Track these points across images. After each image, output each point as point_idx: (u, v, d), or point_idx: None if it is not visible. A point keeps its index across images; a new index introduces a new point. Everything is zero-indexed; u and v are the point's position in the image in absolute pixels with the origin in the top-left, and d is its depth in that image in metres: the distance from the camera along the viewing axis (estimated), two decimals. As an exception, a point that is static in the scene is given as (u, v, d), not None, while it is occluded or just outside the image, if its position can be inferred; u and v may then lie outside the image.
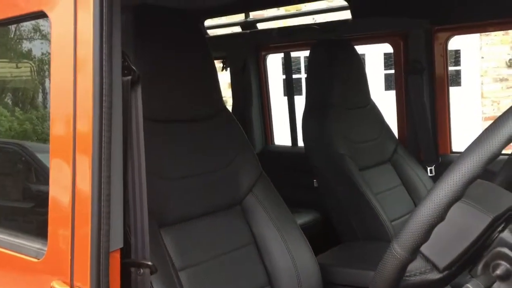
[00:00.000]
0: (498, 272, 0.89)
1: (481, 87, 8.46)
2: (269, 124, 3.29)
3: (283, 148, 3.26)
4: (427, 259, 0.94)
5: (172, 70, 1.53)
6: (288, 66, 3.25)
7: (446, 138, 2.66)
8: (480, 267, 0.92)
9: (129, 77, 1.14)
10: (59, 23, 1.17)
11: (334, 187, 2.31)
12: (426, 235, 0.82)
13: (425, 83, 2.63)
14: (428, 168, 2.62)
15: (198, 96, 1.60)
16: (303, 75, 7.36)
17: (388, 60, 8.00)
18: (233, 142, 1.67)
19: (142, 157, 1.16)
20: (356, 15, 2.62)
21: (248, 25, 3.19)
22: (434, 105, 2.64)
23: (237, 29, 3.31)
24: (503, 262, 0.90)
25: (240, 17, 3.26)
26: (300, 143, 3.21)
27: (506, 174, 1.24)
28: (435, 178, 2.59)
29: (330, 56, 2.40)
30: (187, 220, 1.48)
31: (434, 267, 0.93)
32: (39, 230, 1.25)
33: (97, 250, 1.07)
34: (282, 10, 4.80)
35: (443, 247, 0.93)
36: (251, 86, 3.21)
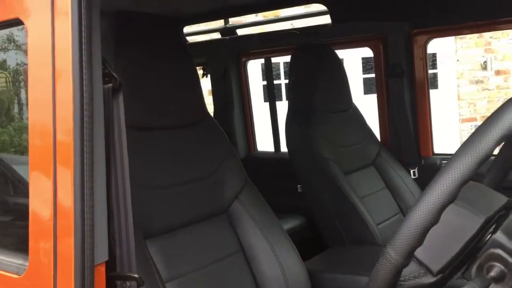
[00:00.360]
0: (492, 274, 0.89)
1: (457, 89, 8.60)
2: (252, 130, 3.27)
3: (266, 155, 3.24)
4: (420, 263, 0.92)
5: (154, 77, 1.50)
6: (269, 72, 3.23)
7: (428, 140, 2.68)
8: (473, 269, 0.91)
9: (110, 85, 1.12)
10: (35, 31, 1.14)
11: (319, 192, 2.30)
12: (420, 238, 0.81)
13: (406, 85, 2.64)
14: (411, 171, 2.63)
15: (181, 103, 1.57)
16: (282, 81, 7.37)
17: (367, 65, 8.07)
18: (217, 149, 1.65)
19: (126, 167, 1.12)
20: (336, 20, 2.63)
21: (227, 31, 3.18)
22: (415, 107, 2.66)
23: (216, 35, 3.29)
24: (496, 264, 0.89)
25: (219, 23, 3.25)
26: (283, 148, 3.21)
27: (493, 175, 1.24)
28: (418, 181, 2.61)
29: (312, 61, 2.39)
30: (173, 230, 1.45)
31: (428, 270, 0.92)
32: (20, 245, 1.21)
33: (81, 264, 1.03)
34: (260, 16, 4.80)
35: (436, 250, 0.91)
36: (232, 92, 3.19)
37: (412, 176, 2.61)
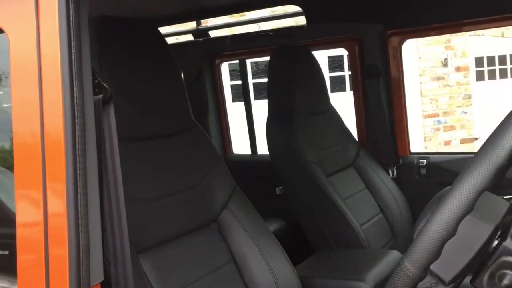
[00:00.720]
0: (505, 282, 0.89)
1: (420, 86, 8.79)
2: (227, 133, 3.23)
3: (242, 157, 3.20)
4: (432, 273, 0.91)
5: (139, 85, 1.44)
6: (244, 73, 3.20)
7: (405, 139, 2.71)
8: (485, 277, 0.91)
9: (100, 96, 1.06)
10: (18, 40, 1.07)
11: (303, 196, 2.29)
12: (438, 251, 0.80)
13: (382, 86, 2.66)
14: (390, 171, 2.65)
15: (166, 111, 1.52)
16: (250, 81, 7.34)
17: (332, 63, 8.14)
18: (205, 156, 1.61)
19: (119, 182, 1.07)
20: (311, 21, 2.62)
21: (200, 32, 3.13)
22: (392, 107, 2.68)
23: (188, 37, 3.24)
24: (509, 272, 0.89)
25: (191, 24, 3.19)
26: (260, 151, 3.19)
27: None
28: (397, 180, 2.63)
29: (291, 62, 2.37)
30: (165, 243, 1.40)
31: (440, 281, 0.91)
32: (5, 266, 1.14)
33: (76, 286, 0.98)
34: (227, 17, 4.75)
35: (448, 260, 0.91)
36: (206, 95, 3.14)
37: (391, 176, 2.63)
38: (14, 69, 1.07)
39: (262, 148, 3.17)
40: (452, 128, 8.70)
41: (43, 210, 1.02)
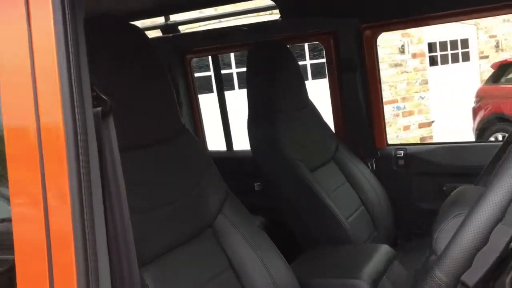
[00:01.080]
0: (528, 284, 0.90)
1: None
2: (201, 130, 3.17)
3: (218, 154, 3.16)
4: None
5: (129, 91, 1.37)
6: (217, 67, 3.14)
7: (382, 132, 2.74)
8: (507, 280, 0.91)
9: (99, 108, 1.01)
10: (7, 53, 0.99)
11: (288, 192, 2.28)
12: (471, 260, 0.80)
13: (358, 79, 2.67)
14: (368, 163, 2.67)
15: (157, 117, 1.46)
16: (212, 73, 7.25)
17: (294, 53, 8.15)
18: (197, 162, 1.56)
19: (124, 198, 1.02)
20: (285, 16, 2.60)
21: (169, 28, 3.05)
22: (368, 100, 2.70)
23: (157, 32, 3.14)
24: None
25: (159, 20, 3.10)
26: (236, 147, 3.15)
27: (487, 177, 1.26)
28: (376, 172, 2.66)
29: (271, 58, 2.34)
30: (164, 254, 1.36)
31: (464, 286, 0.91)
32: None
33: None
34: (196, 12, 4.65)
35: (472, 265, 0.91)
36: (179, 91, 3.07)
37: (370, 169, 2.65)
38: (4, 86, 0.99)
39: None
40: (410, 113, 8.92)
41: (46, 233, 0.96)
